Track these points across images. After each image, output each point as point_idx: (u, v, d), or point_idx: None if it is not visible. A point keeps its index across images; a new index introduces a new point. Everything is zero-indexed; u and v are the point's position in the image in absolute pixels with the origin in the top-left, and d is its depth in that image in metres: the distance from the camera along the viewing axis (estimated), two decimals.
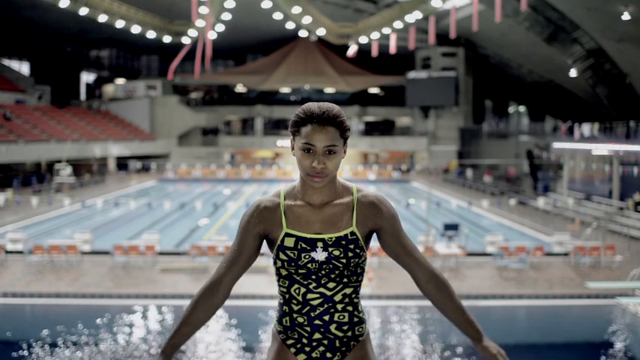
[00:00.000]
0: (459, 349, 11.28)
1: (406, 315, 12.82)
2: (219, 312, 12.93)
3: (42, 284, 14.02)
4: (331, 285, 2.12)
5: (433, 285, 2.19)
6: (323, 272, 2.10)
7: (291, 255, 2.10)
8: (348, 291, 2.14)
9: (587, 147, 28.36)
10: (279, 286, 2.18)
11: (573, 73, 38.98)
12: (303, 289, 2.12)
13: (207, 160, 48.52)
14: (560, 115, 45.01)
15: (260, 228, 2.16)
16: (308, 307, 2.13)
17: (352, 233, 2.11)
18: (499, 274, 15.23)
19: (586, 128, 32.01)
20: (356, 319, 2.18)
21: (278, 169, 45.28)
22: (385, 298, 13.21)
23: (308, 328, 2.14)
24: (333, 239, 2.09)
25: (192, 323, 2.15)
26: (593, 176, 28.83)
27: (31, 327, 12.18)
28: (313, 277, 2.11)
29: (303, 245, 2.10)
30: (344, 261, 2.09)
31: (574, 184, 29.95)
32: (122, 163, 46.24)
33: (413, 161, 50.73)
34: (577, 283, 14.30)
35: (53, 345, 10.83)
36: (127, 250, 15.64)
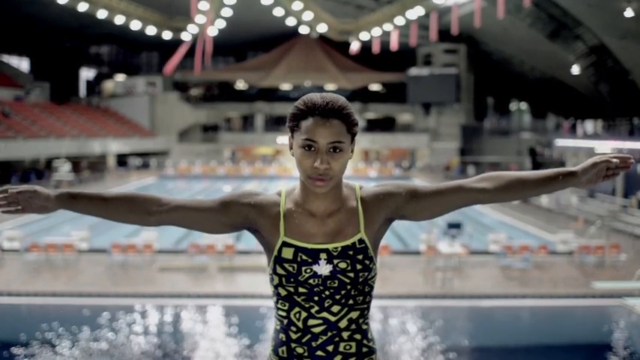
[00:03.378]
0: (461, 349, 11.11)
1: (408, 315, 12.64)
2: (219, 311, 12.77)
3: (38, 283, 13.84)
4: (335, 309, 1.81)
5: (491, 193, 1.85)
6: (327, 292, 1.80)
7: (290, 269, 1.80)
8: (354, 315, 1.83)
9: (590, 144, 28.16)
10: (278, 309, 1.87)
11: (576, 69, 38.77)
12: (304, 314, 1.82)
13: (208, 157, 48.33)
14: (562, 112, 44.81)
15: (252, 213, 1.86)
16: (309, 336, 1.82)
17: (360, 241, 1.82)
18: (502, 274, 15.04)
19: (589, 125, 31.80)
20: (365, 350, 1.86)
21: (278, 166, 45.10)
22: (387, 297, 13.01)
23: None
24: (339, 249, 1.80)
25: (108, 204, 1.84)
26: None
27: (27, 326, 12.01)
28: (316, 298, 1.80)
29: (304, 257, 1.80)
30: (351, 275, 1.79)
31: None
32: (122, 160, 46.05)
33: (414, 158, 50.54)
34: (582, 283, 14.09)
35: (50, 345, 10.66)
36: (124, 249, 15.44)
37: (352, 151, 1.83)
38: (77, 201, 1.85)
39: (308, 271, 1.80)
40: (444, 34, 44.18)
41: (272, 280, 1.85)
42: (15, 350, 10.39)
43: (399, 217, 1.91)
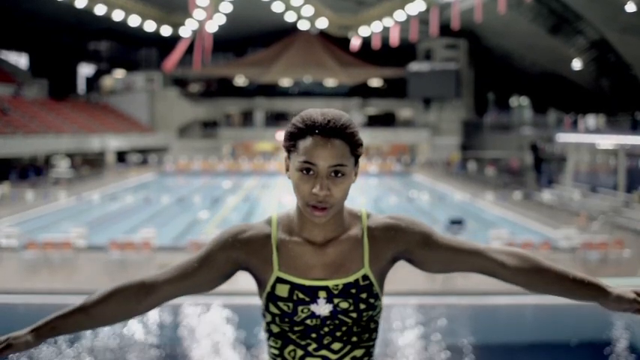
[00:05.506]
0: (462, 348, 10.99)
1: (409, 313, 12.51)
2: (218, 310, 12.64)
3: (36, 281, 13.71)
4: (336, 346, 1.62)
5: (510, 272, 1.68)
6: (326, 329, 1.60)
7: (285, 308, 1.61)
8: (358, 353, 1.63)
9: (592, 139, 28.01)
10: (270, 346, 1.68)
11: (577, 64, 38.62)
12: (300, 352, 1.62)
13: (207, 153, 48.20)
14: (563, 107, 44.66)
15: (240, 255, 1.66)
16: None
17: (365, 277, 1.62)
18: None
19: (590, 120, 31.65)
20: None
21: (279, 163, 44.96)
22: (388, 295, 12.85)
23: None
24: (340, 287, 1.61)
25: (92, 315, 1.65)
26: (598, 169, 28.49)
27: (25, 325, 11.85)
28: (314, 335, 1.61)
29: (301, 296, 1.61)
30: (354, 315, 1.60)
31: (578, 176, 29.59)
32: (121, 157, 45.92)
33: (414, 154, 50.41)
34: None
35: (47, 343, 10.53)
36: (123, 246, 15.29)
37: (356, 175, 1.62)
38: (58, 329, 1.67)
39: (305, 310, 1.61)
40: (445, 29, 43.99)
41: (264, 316, 1.67)
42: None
43: (406, 260, 1.72)
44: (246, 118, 55.16)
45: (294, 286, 1.61)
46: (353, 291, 1.60)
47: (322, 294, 1.60)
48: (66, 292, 13.05)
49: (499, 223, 20.88)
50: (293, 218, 1.67)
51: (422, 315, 12.54)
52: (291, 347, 1.62)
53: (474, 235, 17.70)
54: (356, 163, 1.61)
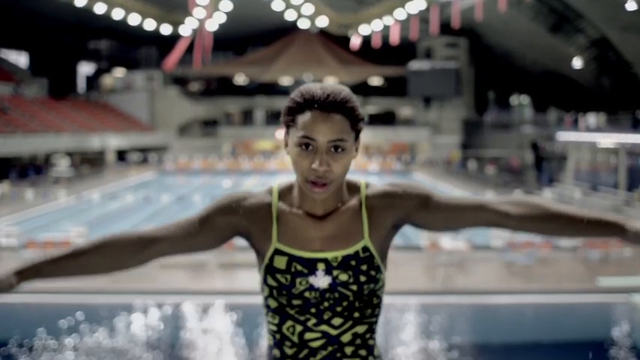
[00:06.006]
0: (464, 346, 10.96)
1: (409, 312, 12.47)
2: (219, 309, 12.61)
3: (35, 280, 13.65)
4: (337, 321, 1.58)
5: (516, 220, 1.60)
6: (326, 304, 1.56)
7: (283, 280, 1.58)
8: (360, 329, 1.60)
9: (593, 138, 27.95)
10: (268, 322, 1.64)
11: (577, 63, 38.56)
12: (299, 327, 1.59)
13: (207, 152, 48.15)
14: (564, 106, 44.61)
15: (241, 222, 1.63)
16: (306, 351, 1.59)
17: (365, 249, 1.58)
18: (505, 269, 14.86)
19: (591, 119, 31.61)
20: None
21: (279, 161, 44.91)
22: (388, 294, 12.82)
23: None
24: (339, 259, 1.57)
25: (81, 263, 1.57)
26: (599, 167, 28.45)
27: (24, 324, 11.86)
28: (313, 310, 1.57)
29: (299, 268, 1.57)
30: (354, 288, 1.56)
31: (579, 175, 29.55)
32: (121, 156, 45.89)
33: (414, 152, 50.36)
34: (587, 279, 13.92)
35: (47, 343, 10.50)
36: None
37: (357, 150, 1.59)
38: (43, 272, 1.59)
39: (303, 283, 1.57)
40: (445, 28, 43.93)
41: (262, 289, 1.64)
42: (11, 348, 10.24)
43: (410, 224, 1.67)
44: (247, 117, 55.12)
45: (292, 258, 1.58)
46: (353, 263, 1.57)
47: (321, 266, 1.57)
48: (65, 291, 13.02)
49: None
50: (294, 190, 1.65)
51: (422, 314, 12.50)
52: (289, 323, 1.59)
53: (475, 234, 17.66)
54: (357, 138, 1.58)
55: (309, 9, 42.46)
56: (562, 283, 13.71)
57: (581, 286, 13.43)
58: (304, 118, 1.52)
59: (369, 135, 49.98)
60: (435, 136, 49.78)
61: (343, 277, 1.57)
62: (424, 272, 14.60)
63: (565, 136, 30.66)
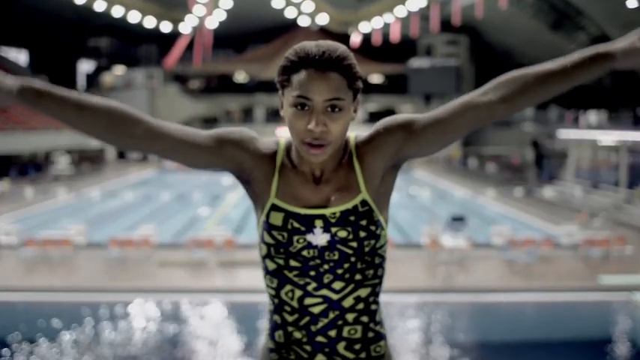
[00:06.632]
0: (464, 344, 10.93)
1: (410, 310, 12.44)
2: (219, 307, 12.58)
3: (35, 278, 13.64)
4: (338, 285, 1.51)
5: (504, 104, 1.51)
6: (326, 267, 1.50)
7: (280, 238, 1.51)
8: (363, 293, 1.53)
9: (594, 136, 27.90)
10: (267, 286, 1.58)
11: None
12: (298, 292, 1.53)
13: None
14: (564, 103, 44.58)
15: (247, 161, 1.57)
16: (307, 318, 1.53)
17: (363, 202, 1.51)
18: (506, 267, 14.82)
19: (592, 116, 31.56)
20: (371, 334, 1.58)
21: None
22: (388, 292, 12.79)
23: (308, 347, 1.55)
24: (338, 215, 1.50)
25: (80, 115, 1.46)
26: (600, 165, 28.40)
27: (24, 322, 11.82)
28: (312, 273, 1.51)
29: (296, 225, 1.51)
30: (354, 245, 1.49)
31: (580, 172, 29.50)
32: (121, 153, 45.82)
33: None
34: (587, 277, 13.87)
35: (46, 341, 10.47)
36: (122, 244, 15.21)
37: (355, 111, 1.53)
38: (40, 99, 1.46)
39: (301, 240, 1.51)
40: (446, 25, 43.86)
41: (260, 249, 1.56)
42: (11, 347, 10.21)
43: (406, 158, 1.61)
44: (247, 115, 55.07)
45: (288, 214, 1.52)
46: (352, 218, 1.50)
47: (319, 223, 1.51)
48: (65, 289, 13.00)
49: (500, 219, 20.79)
50: (294, 150, 1.59)
51: (422, 312, 12.46)
52: (288, 287, 1.53)
53: (475, 232, 17.63)
54: (355, 97, 1.52)
55: (309, 6, 42.41)
56: (563, 281, 13.66)
57: (582, 284, 13.40)
58: (299, 77, 1.45)
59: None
60: None
61: (342, 233, 1.51)
62: (425, 270, 14.56)
63: (566, 133, 30.59)
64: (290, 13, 44.46)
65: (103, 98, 1.52)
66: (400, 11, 39.80)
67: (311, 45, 1.50)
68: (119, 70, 54.81)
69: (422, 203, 25.47)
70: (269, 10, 45.58)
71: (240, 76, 54.88)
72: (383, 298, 1.63)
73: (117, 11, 40.54)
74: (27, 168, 35.60)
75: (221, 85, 55.59)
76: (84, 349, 10.36)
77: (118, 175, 36.34)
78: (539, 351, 11.11)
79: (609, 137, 26.26)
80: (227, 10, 42.88)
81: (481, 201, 26.08)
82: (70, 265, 14.80)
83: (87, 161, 40.59)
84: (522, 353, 11.26)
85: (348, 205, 1.51)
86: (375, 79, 55.13)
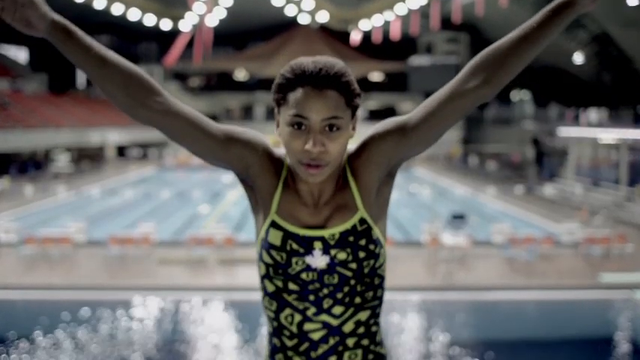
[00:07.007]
0: (464, 342, 10.90)
1: (410, 308, 12.42)
2: (219, 305, 12.56)
3: (35, 276, 13.62)
4: (338, 310, 1.48)
5: (490, 85, 1.50)
6: (325, 291, 1.46)
7: (278, 258, 1.47)
8: (363, 316, 1.50)
9: (594, 133, 27.87)
10: (265, 308, 1.54)
11: (578, 58, 38.47)
12: (298, 317, 1.49)
13: None
14: (565, 101, 44.55)
15: (255, 165, 1.53)
16: (307, 344, 1.50)
17: (362, 221, 1.47)
18: (506, 265, 14.80)
19: (592, 114, 31.53)
20: (371, 357, 1.53)
21: None
22: (387, 289, 12.76)
23: None
24: (337, 236, 1.46)
25: (103, 69, 1.43)
26: (600, 163, 28.38)
27: (23, 320, 11.82)
28: (311, 297, 1.47)
29: (294, 246, 1.47)
30: (354, 266, 1.46)
31: (580, 170, 29.47)
32: (121, 151, 45.81)
33: None
34: (588, 275, 13.85)
35: (46, 339, 10.45)
36: (122, 241, 15.19)
37: (354, 129, 1.49)
38: (70, 41, 1.44)
39: (300, 263, 1.47)
40: (446, 23, 43.82)
41: (259, 268, 1.53)
42: (10, 344, 10.19)
43: (402, 161, 1.57)
44: (247, 113, 55.05)
45: (287, 235, 1.48)
46: (351, 239, 1.46)
47: (318, 245, 1.47)
48: (65, 287, 12.98)
49: (501, 217, 20.77)
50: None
51: (423, 310, 12.45)
52: (288, 311, 1.50)
53: (476, 230, 17.61)
54: (353, 115, 1.48)
55: (309, 4, 42.35)
56: (563, 280, 13.64)
57: (582, 282, 13.38)
58: (295, 95, 1.42)
59: (369, 131, 49.85)
60: None
61: (342, 255, 1.47)
62: (425, 268, 14.53)
63: (566, 131, 30.55)
64: (290, 11, 44.41)
65: (129, 63, 1.49)
66: (400, 9, 39.73)
67: (308, 61, 1.44)
68: None
69: (422, 201, 25.43)
70: (269, 8, 45.53)
71: (240, 74, 54.83)
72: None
73: (117, 9, 40.50)
74: (27, 166, 35.57)
75: (221, 82, 55.56)
76: (84, 347, 10.34)
77: (117, 172, 36.29)
78: (540, 349, 11.09)
79: (610, 135, 26.23)
80: (227, 8, 42.82)
81: (481, 199, 26.05)
82: (69, 262, 14.78)
83: (87, 159, 40.56)
84: (523, 351, 11.24)
85: (347, 226, 1.48)
86: (376, 76, 55.08)
